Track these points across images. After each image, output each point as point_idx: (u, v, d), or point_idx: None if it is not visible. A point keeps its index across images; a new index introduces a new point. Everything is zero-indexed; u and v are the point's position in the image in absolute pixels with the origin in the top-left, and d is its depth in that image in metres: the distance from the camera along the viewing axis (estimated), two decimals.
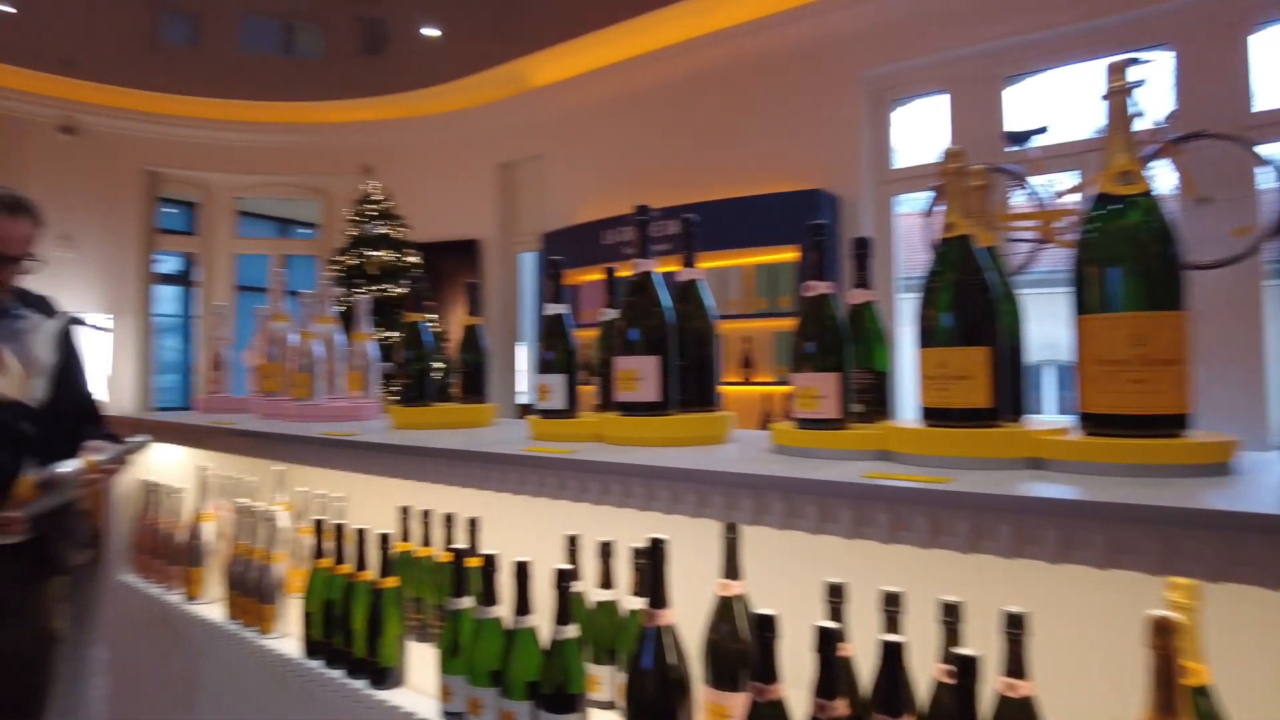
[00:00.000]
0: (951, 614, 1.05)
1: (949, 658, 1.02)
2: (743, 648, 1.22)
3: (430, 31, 7.05)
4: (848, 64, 5.36)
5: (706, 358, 1.52)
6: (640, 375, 1.41)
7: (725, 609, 1.25)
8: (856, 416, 1.32)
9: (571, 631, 1.32)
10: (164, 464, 2.66)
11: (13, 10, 6.54)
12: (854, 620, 1.16)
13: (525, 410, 1.55)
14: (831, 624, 1.02)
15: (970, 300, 1.09)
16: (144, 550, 2.55)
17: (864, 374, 1.36)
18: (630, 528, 1.40)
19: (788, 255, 5.13)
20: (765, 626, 1.05)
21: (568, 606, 1.31)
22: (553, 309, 1.65)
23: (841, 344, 1.26)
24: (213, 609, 2.20)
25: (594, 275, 5.68)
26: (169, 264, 8.59)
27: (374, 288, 6.64)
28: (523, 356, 7.44)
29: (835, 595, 1.15)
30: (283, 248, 9.50)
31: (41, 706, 2.08)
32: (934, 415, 1.11)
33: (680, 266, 1.54)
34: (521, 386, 7.43)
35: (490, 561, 1.40)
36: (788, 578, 1.27)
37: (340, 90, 7.51)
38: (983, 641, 0.99)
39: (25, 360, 1.98)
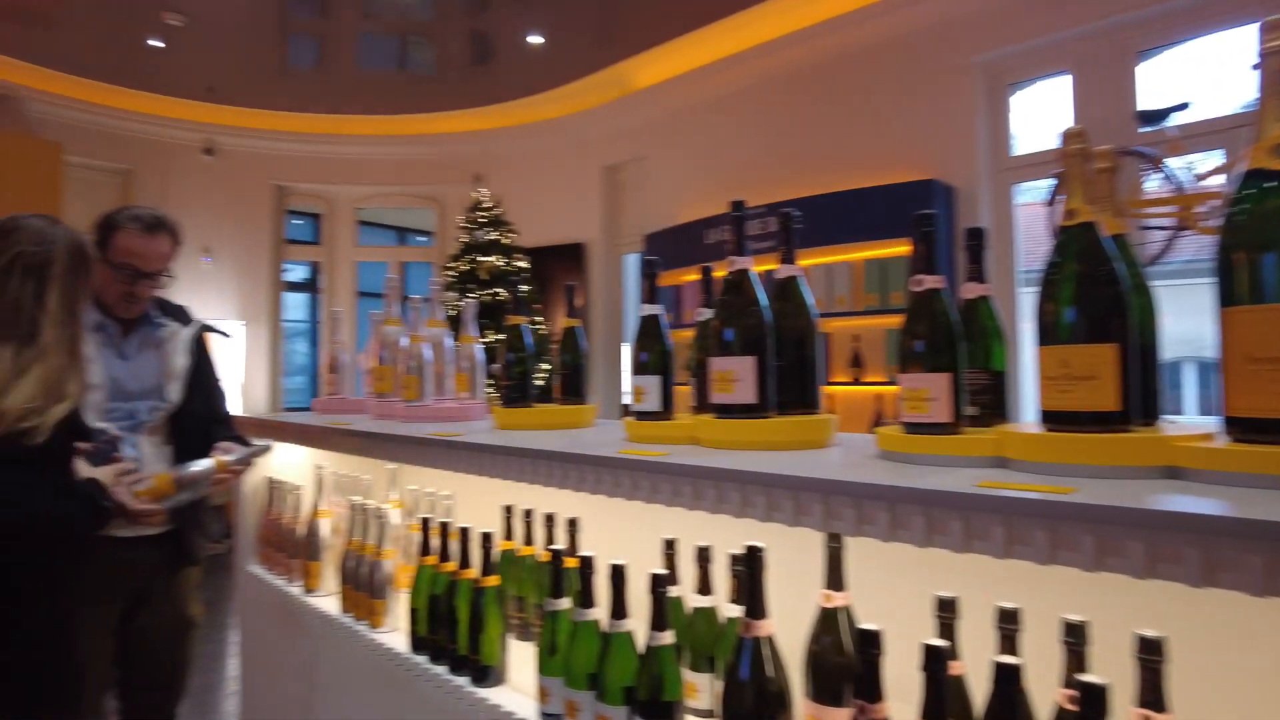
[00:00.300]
0: (1076, 635, 0.96)
1: (1073, 683, 0.93)
2: (846, 662, 1.16)
3: (534, 39, 7.20)
4: (959, 49, 5.11)
5: (807, 358, 1.46)
6: (736, 376, 1.37)
7: (828, 620, 1.19)
8: (970, 420, 1.24)
9: (668, 637, 1.29)
10: (286, 463, 2.81)
11: (163, 45, 7.13)
12: (967, 637, 1.08)
13: (629, 411, 1.55)
14: (941, 642, 0.96)
15: (1094, 293, 1.00)
16: (268, 543, 2.71)
17: (979, 374, 1.28)
18: (731, 532, 1.36)
19: (899, 249, 4.93)
20: (870, 642, 0.99)
21: (664, 612, 1.29)
22: (648, 310, 1.63)
23: (953, 342, 1.18)
24: (329, 601, 2.30)
25: (696, 275, 5.63)
26: (297, 272, 9.14)
27: (485, 292, 6.83)
28: (627, 357, 7.50)
29: (946, 610, 1.08)
30: (400, 255, 9.98)
31: (181, 685, 2.24)
32: (1056, 419, 1.02)
33: (779, 263, 1.49)
34: (627, 387, 7.49)
35: (587, 563, 1.40)
36: (895, 589, 1.20)
37: (451, 101, 7.79)
38: (1114, 666, 0.90)
39: (166, 370, 2.13)
